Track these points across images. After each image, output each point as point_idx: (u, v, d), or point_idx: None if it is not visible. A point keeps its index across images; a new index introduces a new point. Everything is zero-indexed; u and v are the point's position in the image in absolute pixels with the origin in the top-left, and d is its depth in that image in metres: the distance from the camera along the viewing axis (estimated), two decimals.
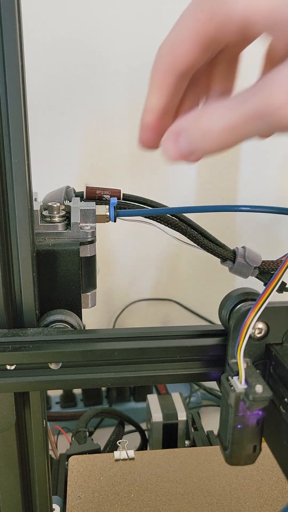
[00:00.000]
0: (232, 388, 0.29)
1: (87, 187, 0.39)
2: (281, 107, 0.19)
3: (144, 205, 0.39)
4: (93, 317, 0.94)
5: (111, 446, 0.66)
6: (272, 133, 0.22)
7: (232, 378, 0.30)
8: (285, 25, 0.20)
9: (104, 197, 0.38)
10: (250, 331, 0.30)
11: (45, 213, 0.37)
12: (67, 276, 0.37)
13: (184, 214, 0.38)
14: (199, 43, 0.22)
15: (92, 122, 0.79)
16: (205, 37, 0.21)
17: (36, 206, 0.36)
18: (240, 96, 0.21)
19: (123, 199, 0.39)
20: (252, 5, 0.20)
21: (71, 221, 0.36)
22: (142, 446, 0.70)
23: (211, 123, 0.22)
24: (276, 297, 0.31)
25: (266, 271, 0.37)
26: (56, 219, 0.37)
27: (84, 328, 0.37)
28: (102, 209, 0.37)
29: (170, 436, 0.66)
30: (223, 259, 0.38)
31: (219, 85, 0.27)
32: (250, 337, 0.32)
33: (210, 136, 0.22)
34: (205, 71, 0.27)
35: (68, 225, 0.37)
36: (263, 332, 0.32)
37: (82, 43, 0.77)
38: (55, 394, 0.83)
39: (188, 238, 0.38)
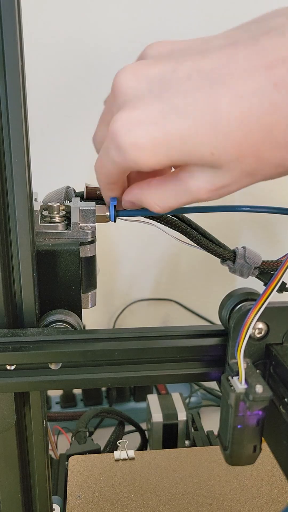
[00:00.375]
0: (232, 388, 0.29)
1: (87, 187, 0.39)
2: (199, 195, 0.29)
3: None
4: (93, 317, 0.94)
5: (111, 446, 0.66)
6: None
7: (232, 378, 0.30)
8: (163, 166, 0.29)
9: None
10: (250, 331, 0.30)
11: (45, 213, 0.37)
12: (67, 276, 0.37)
13: (184, 214, 0.38)
14: (120, 172, 0.31)
15: (92, 122, 0.78)
16: (121, 170, 0.31)
17: (36, 206, 0.36)
18: (172, 185, 0.30)
19: None
20: (141, 163, 0.28)
21: (71, 221, 0.36)
22: (142, 446, 0.70)
23: (155, 204, 0.31)
24: (276, 297, 0.31)
25: (266, 271, 0.37)
26: (56, 219, 0.37)
27: (84, 328, 0.37)
28: (102, 209, 0.37)
29: (170, 436, 0.66)
30: (223, 259, 0.38)
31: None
32: (250, 337, 0.32)
33: (157, 210, 0.32)
34: None
35: (68, 225, 0.37)
36: (263, 332, 0.32)
37: (82, 43, 0.77)
38: (55, 394, 0.83)
39: (188, 238, 0.38)
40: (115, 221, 0.36)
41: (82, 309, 0.38)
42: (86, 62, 0.78)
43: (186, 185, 0.29)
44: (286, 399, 0.30)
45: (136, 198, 0.33)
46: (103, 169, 0.32)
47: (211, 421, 0.76)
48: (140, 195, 0.32)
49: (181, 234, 0.38)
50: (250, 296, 0.33)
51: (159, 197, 0.31)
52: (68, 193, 0.39)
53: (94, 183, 0.38)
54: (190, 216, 0.39)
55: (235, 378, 0.29)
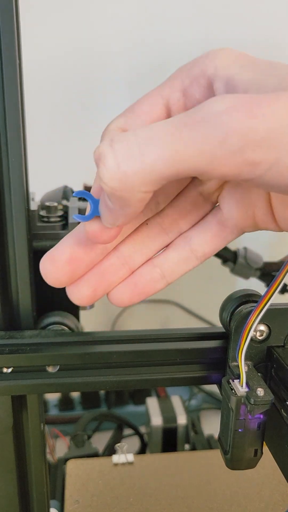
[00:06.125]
0: (233, 391, 0.29)
1: (85, 186, 0.38)
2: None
3: None
4: (91, 319, 0.93)
5: (110, 450, 0.66)
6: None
7: (233, 381, 0.29)
8: None
9: None
10: (251, 333, 0.29)
11: (42, 213, 0.37)
12: None
13: None
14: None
15: (91, 121, 0.78)
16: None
17: (34, 206, 0.36)
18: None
19: None
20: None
21: (69, 221, 0.36)
22: (141, 450, 0.70)
23: None
24: (278, 299, 0.30)
25: (267, 273, 0.37)
26: (54, 219, 0.36)
27: (82, 330, 0.37)
28: None
29: (170, 439, 0.65)
30: (224, 260, 0.38)
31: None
32: (251, 339, 0.31)
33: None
34: None
35: (66, 225, 0.37)
36: (264, 335, 0.31)
37: (82, 43, 0.77)
38: (53, 397, 0.83)
39: None
40: None
41: (80, 311, 0.38)
42: (86, 63, 0.78)
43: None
44: (287, 402, 0.29)
45: None
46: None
47: (211, 425, 0.76)
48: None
49: None
50: (251, 298, 0.32)
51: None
52: (66, 193, 0.39)
53: (92, 182, 0.38)
54: None
55: (236, 381, 0.29)
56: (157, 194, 0.27)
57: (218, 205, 0.27)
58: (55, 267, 0.26)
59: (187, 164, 0.19)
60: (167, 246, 0.28)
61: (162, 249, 0.28)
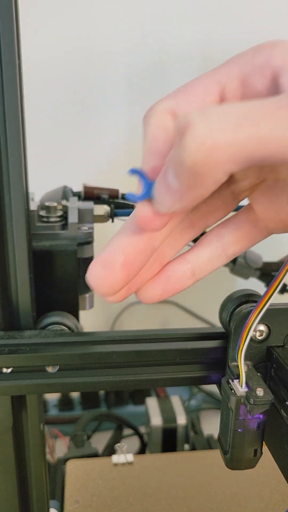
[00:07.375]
0: (232, 391, 0.29)
1: (85, 186, 0.38)
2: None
3: None
4: (91, 319, 0.93)
5: (110, 450, 0.66)
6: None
7: (233, 381, 0.29)
8: None
9: (102, 196, 0.38)
10: (251, 333, 0.29)
11: (42, 213, 0.37)
12: (64, 277, 0.36)
13: None
14: None
15: (90, 121, 0.78)
16: None
17: (33, 206, 0.36)
18: None
19: (121, 199, 0.39)
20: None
21: (69, 221, 0.36)
22: (141, 450, 0.70)
23: None
24: (277, 299, 0.30)
25: (267, 273, 0.37)
26: (54, 219, 0.36)
27: (82, 330, 0.37)
28: (100, 209, 0.37)
29: (169, 439, 0.65)
30: None
31: None
32: (251, 339, 0.31)
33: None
34: None
35: (65, 225, 0.37)
36: (264, 335, 0.31)
37: (82, 43, 0.77)
38: (52, 397, 0.83)
39: None
40: (113, 221, 0.36)
41: (80, 311, 0.38)
42: (86, 63, 0.78)
43: None
44: (287, 402, 0.29)
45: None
46: None
47: (211, 425, 0.76)
48: None
49: None
50: (251, 298, 0.32)
51: None
52: (66, 193, 0.39)
53: (92, 183, 0.38)
54: None
55: (236, 381, 0.29)
56: None
57: (250, 204, 0.27)
58: (110, 273, 0.23)
59: (280, 146, 0.18)
60: (198, 243, 0.28)
61: (187, 243, 0.28)
